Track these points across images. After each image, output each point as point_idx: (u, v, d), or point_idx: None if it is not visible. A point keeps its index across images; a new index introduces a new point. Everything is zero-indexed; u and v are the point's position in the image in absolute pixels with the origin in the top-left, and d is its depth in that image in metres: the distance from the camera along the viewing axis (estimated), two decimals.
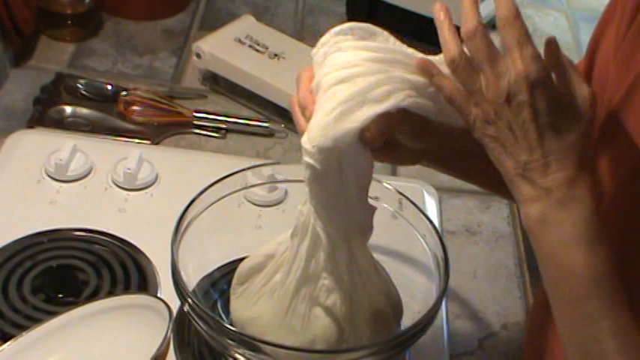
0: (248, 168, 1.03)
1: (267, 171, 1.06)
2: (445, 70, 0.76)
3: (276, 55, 1.40)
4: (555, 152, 0.72)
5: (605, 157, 0.83)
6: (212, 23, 1.58)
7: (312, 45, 0.81)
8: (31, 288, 1.01)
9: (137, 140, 1.29)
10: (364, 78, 0.76)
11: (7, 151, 1.20)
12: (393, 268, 0.95)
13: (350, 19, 0.85)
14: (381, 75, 0.76)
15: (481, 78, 0.73)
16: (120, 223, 1.11)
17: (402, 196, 0.97)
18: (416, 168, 0.95)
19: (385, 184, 0.99)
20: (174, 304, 0.89)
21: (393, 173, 1.30)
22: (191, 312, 0.86)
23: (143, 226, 1.12)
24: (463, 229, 1.25)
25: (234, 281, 0.93)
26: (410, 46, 0.80)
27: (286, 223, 0.89)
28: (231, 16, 1.57)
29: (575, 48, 1.70)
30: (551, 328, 0.87)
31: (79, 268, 1.05)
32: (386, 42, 0.80)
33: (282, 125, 1.35)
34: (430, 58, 0.78)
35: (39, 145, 1.21)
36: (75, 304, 0.95)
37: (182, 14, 1.61)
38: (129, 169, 1.16)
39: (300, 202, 0.85)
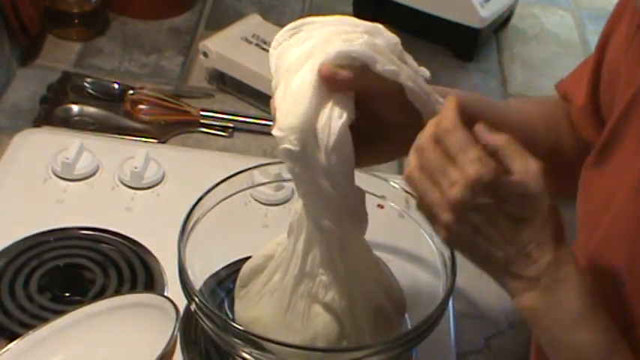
0: (255, 167, 1.03)
1: (273, 170, 1.06)
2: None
3: None
4: (530, 240, 0.71)
5: (616, 156, 0.83)
6: (219, 22, 1.57)
7: None
8: (37, 287, 1.02)
9: (144, 139, 1.29)
10: (314, 45, 0.78)
11: (14, 150, 1.20)
12: (400, 267, 0.95)
13: (357, 18, 0.85)
14: (333, 36, 0.77)
15: (436, 190, 0.72)
16: (126, 222, 1.11)
17: (408, 195, 0.97)
18: None
19: (392, 183, 0.99)
20: (181, 302, 0.89)
21: (400, 172, 1.29)
22: (198, 311, 0.86)
23: (150, 225, 1.12)
24: None
25: (237, 284, 0.94)
26: (411, 45, 0.79)
27: None
28: (238, 15, 1.57)
29: (581, 47, 1.70)
30: None
31: (85, 267, 1.05)
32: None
33: None
34: None
35: (45, 144, 1.21)
36: (81, 303, 0.95)
37: (189, 13, 1.61)
38: (136, 167, 1.16)
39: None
